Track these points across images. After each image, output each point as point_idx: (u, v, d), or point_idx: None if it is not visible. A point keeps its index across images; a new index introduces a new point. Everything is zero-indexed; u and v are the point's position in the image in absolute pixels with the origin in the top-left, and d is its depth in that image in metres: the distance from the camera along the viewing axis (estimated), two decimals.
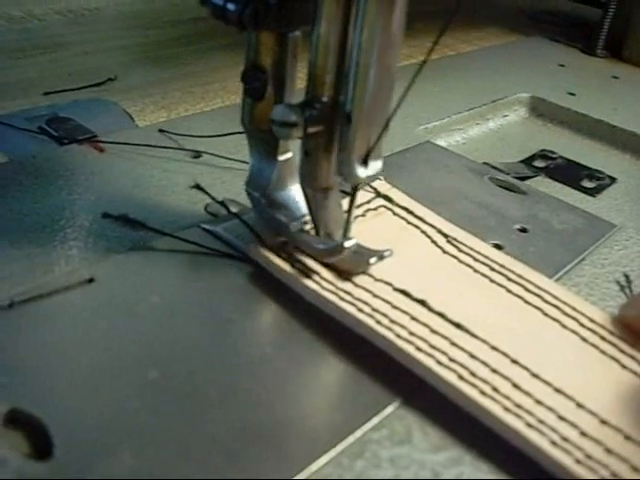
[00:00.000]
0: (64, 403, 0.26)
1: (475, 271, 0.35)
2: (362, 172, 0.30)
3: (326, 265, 0.33)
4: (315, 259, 0.34)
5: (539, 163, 0.55)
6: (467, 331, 0.31)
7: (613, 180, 0.54)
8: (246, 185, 0.36)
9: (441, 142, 0.56)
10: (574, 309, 0.33)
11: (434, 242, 0.37)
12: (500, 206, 0.44)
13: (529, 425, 0.27)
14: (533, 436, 0.26)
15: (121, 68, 0.58)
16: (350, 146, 0.29)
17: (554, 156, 0.56)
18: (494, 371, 0.29)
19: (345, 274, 0.33)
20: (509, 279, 0.35)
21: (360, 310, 0.31)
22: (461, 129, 0.59)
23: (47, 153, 0.44)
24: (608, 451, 0.26)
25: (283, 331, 0.32)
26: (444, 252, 0.37)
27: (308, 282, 0.33)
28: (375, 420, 0.28)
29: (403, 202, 0.40)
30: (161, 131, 0.47)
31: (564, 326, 0.32)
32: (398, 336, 0.30)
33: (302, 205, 0.35)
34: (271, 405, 0.28)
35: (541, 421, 0.27)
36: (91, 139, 0.45)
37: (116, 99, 0.52)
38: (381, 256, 0.34)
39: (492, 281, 0.35)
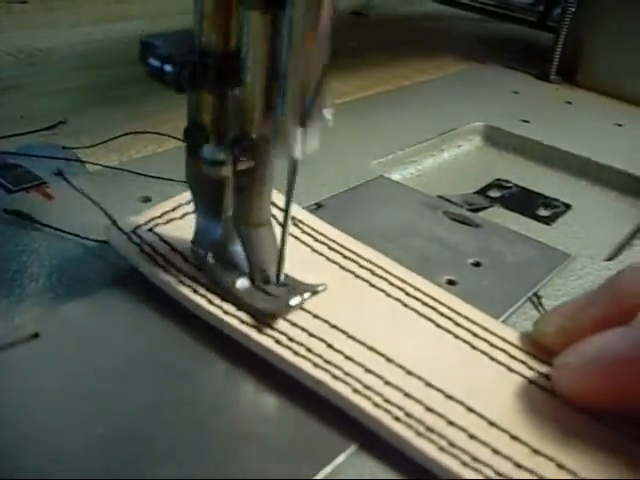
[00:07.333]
0: (8, 463, 0.25)
1: (341, 268, 0.36)
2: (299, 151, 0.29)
3: None
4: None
5: (494, 193, 0.55)
6: (343, 332, 0.32)
7: (568, 207, 0.55)
8: (192, 243, 0.35)
9: (395, 175, 0.56)
10: (454, 311, 0.34)
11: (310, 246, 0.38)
12: (454, 240, 0.44)
13: (397, 418, 0.28)
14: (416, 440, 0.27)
15: (72, 110, 0.58)
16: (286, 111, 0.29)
17: (509, 185, 0.57)
18: (368, 371, 0.30)
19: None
20: (375, 274, 0.36)
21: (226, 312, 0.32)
22: (415, 161, 0.59)
23: None
24: (495, 452, 0.27)
25: (234, 383, 0.31)
26: (313, 251, 0.37)
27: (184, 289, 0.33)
28: (328, 469, 0.27)
29: (296, 215, 0.40)
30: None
31: (439, 325, 0.33)
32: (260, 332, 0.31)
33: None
34: (223, 458, 0.27)
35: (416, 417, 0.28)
36: (40, 186, 0.45)
37: (66, 143, 0.51)
38: (315, 291, 0.34)
39: (357, 276, 0.36)
